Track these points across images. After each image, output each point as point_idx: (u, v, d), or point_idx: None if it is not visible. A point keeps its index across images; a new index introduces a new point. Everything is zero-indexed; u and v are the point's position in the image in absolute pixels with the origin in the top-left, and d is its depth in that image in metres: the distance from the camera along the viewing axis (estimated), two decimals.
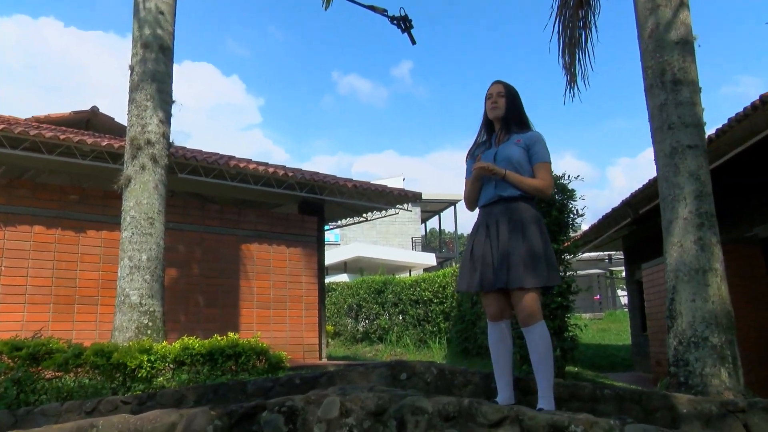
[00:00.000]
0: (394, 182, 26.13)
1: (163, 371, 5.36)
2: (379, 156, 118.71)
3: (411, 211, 19.77)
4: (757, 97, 6.03)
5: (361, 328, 17.20)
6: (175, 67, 6.96)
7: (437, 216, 37.00)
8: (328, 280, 17.59)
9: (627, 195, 10.18)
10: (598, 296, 31.42)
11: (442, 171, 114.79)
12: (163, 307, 6.30)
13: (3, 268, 7.88)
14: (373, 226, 30.80)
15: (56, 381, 5.10)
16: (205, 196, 11.02)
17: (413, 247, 32.66)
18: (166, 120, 6.67)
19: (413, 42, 9.49)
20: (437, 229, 41.13)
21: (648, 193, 9.20)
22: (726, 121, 6.63)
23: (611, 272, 30.87)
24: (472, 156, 3.52)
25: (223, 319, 9.49)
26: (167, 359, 5.40)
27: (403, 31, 9.42)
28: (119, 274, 6.21)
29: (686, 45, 4.75)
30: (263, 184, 9.85)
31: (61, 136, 7.86)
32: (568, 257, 8.32)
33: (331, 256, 22.38)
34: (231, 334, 5.89)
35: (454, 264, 26.71)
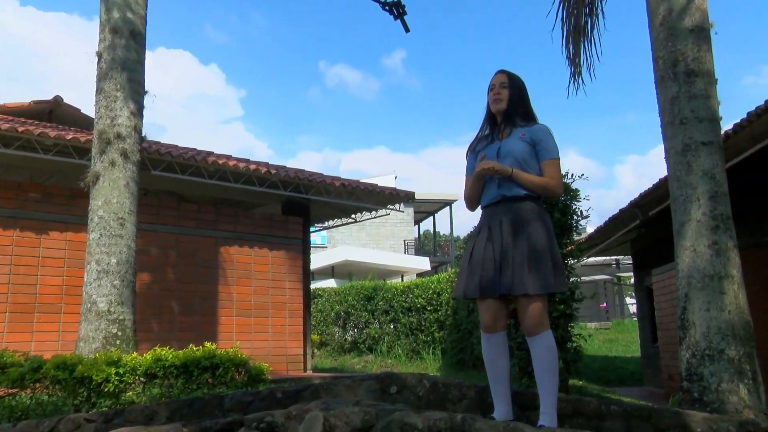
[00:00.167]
0: (385, 181, 26.12)
1: (133, 385, 5.32)
2: (370, 153, 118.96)
3: (403, 211, 19.80)
4: None
5: (349, 338, 17.18)
6: (147, 54, 6.95)
7: (431, 217, 37.06)
8: (313, 285, 17.57)
9: (636, 195, 10.20)
10: (605, 304, 31.58)
11: (437, 169, 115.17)
12: (134, 315, 6.27)
13: None
14: (362, 228, 30.83)
15: (9, 399, 5.02)
16: (181, 195, 10.96)
17: (405, 251, 32.72)
18: (138, 112, 6.65)
19: (406, 29, 9.47)
20: (431, 232, 41.17)
21: (658, 194, 9.22)
22: (745, 115, 6.60)
23: (619, 278, 31.02)
24: (473, 151, 3.50)
25: (200, 328, 9.45)
26: (137, 372, 5.36)
27: (395, 17, 9.40)
28: (86, 280, 6.17)
29: (701, 32, 4.74)
30: (244, 182, 9.82)
31: (20, 128, 7.78)
32: (572, 262, 8.32)
33: (317, 260, 22.36)
34: (208, 344, 5.87)
35: (449, 269, 26.78)
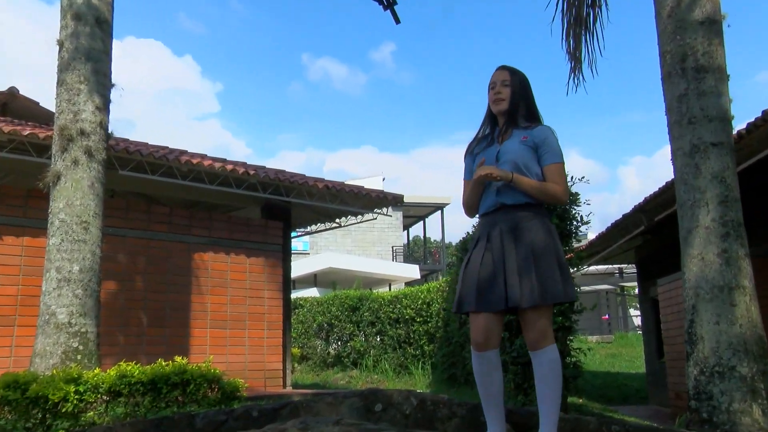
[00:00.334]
0: (372, 183, 26.16)
1: (95, 404, 5.27)
2: (356, 152, 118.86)
3: (391, 216, 19.73)
4: None
5: (332, 351, 17.16)
6: (115, 43, 6.88)
7: (422, 222, 37.09)
8: (294, 295, 17.52)
9: (641, 199, 10.24)
10: (607, 316, 31.71)
11: (428, 171, 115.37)
12: (98, 328, 6.19)
13: None
14: (347, 233, 30.77)
15: None
16: (152, 197, 10.90)
17: (394, 258, 32.74)
18: (104, 106, 6.58)
19: (397, 21, 9.48)
20: (421, 237, 41.22)
21: (664, 198, 9.25)
22: (760, 114, 6.60)
23: (622, 288, 31.15)
24: (471, 153, 3.48)
25: (171, 341, 9.37)
26: (100, 389, 5.31)
27: (385, 8, 9.40)
28: (44, 289, 6.08)
29: (713, 25, 4.75)
30: (220, 183, 9.76)
31: None
32: (572, 271, 8.32)
33: (298, 268, 22.32)
34: (179, 359, 5.84)
35: (440, 277, 26.80)
